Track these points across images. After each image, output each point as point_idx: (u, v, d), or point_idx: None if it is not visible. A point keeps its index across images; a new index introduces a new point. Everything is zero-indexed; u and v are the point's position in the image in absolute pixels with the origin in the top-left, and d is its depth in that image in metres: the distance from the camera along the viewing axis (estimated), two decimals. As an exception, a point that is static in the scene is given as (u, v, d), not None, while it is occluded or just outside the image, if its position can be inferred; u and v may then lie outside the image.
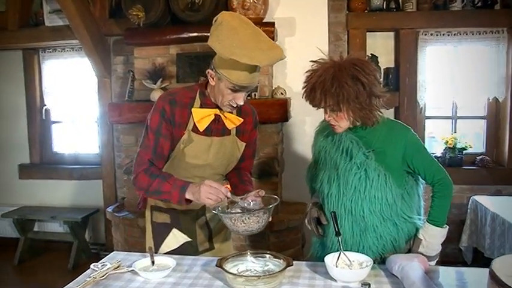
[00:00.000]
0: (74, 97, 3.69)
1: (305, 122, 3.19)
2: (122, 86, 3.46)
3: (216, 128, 1.57)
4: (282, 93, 3.01)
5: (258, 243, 2.80)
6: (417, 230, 1.48)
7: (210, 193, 1.39)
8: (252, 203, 1.45)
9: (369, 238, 1.46)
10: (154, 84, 3.00)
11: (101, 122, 3.59)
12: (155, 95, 3.00)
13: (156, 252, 1.67)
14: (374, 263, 1.40)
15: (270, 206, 1.40)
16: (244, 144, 1.65)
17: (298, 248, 2.91)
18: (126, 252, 1.69)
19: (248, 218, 1.36)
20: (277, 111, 2.83)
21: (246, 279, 1.27)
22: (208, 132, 1.56)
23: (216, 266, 1.34)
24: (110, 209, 3.37)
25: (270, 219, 1.42)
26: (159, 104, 1.51)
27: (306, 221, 1.61)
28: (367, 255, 1.40)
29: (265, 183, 2.95)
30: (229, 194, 1.40)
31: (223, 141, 1.60)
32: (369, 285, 1.17)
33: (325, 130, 1.59)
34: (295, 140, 3.22)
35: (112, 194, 3.70)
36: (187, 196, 1.44)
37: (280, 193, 3.10)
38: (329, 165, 1.54)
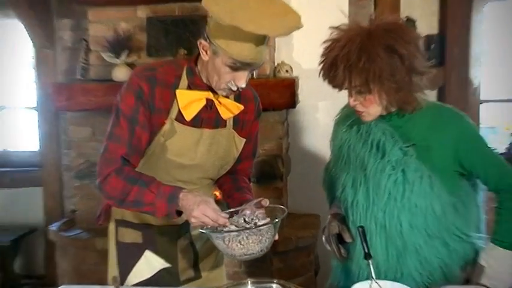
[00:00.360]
0: (1, 75, 3.67)
1: (317, 108, 3.20)
2: (70, 60, 3.44)
3: (208, 118, 1.57)
4: (287, 71, 3.01)
5: (258, 269, 2.80)
6: (477, 252, 1.48)
7: (205, 216, 1.39)
8: (251, 217, 1.45)
9: (409, 262, 1.46)
10: (118, 58, 2.98)
11: (41, 109, 3.56)
12: (119, 73, 2.99)
13: (122, 284, 1.65)
14: None
15: (276, 220, 1.40)
16: (244, 140, 1.66)
17: (310, 275, 2.93)
18: (78, 287, 1.67)
19: (247, 237, 1.35)
20: (281, 94, 2.84)
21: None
22: (197, 122, 1.56)
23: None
24: (54, 227, 3.35)
25: (276, 237, 1.42)
26: (134, 82, 1.51)
27: (323, 238, 1.61)
28: (407, 285, 1.39)
29: (266, 189, 2.96)
30: (227, 223, 1.40)
31: (217, 135, 1.60)
32: None
33: (349, 118, 1.59)
34: (305, 132, 3.23)
35: (57, 207, 3.68)
36: (181, 209, 1.43)
37: (286, 202, 3.11)
38: (354, 164, 1.54)
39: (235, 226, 1.42)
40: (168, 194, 1.43)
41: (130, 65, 3.02)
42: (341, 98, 1.56)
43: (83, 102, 3.02)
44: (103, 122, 3.42)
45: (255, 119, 1.68)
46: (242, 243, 1.35)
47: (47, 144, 3.62)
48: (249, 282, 1.44)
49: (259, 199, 1.50)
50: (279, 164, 3.01)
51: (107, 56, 2.99)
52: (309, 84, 3.09)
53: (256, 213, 1.46)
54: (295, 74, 3.07)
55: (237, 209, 1.51)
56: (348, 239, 1.55)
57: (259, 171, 2.97)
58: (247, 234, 1.35)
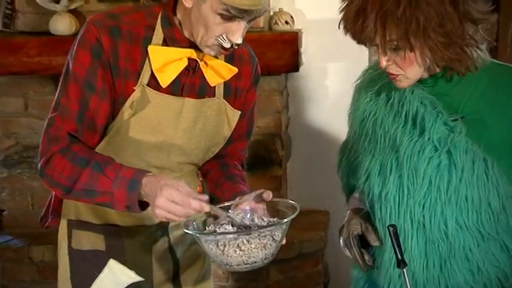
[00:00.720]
0: None
1: (327, 71, 3.21)
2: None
3: (190, 83, 1.58)
4: (287, 23, 3.00)
5: (252, 282, 2.82)
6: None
7: (172, 203, 1.39)
8: (252, 215, 1.47)
9: (456, 271, 1.48)
10: (57, 2, 2.95)
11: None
12: (59, 24, 2.96)
13: (76, 305, 1.67)
14: None
15: (286, 220, 1.41)
16: (239, 113, 1.67)
17: (317, 289, 2.99)
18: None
19: (248, 241, 1.37)
20: (279, 54, 2.82)
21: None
22: (177, 89, 1.56)
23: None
24: (-30, 233, 3.34)
25: (284, 241, 1.44)
26: (91, 34, 1.51)
27: (341, 241, 1.63)
28: None
29: (260, 177, 2.97)
30: (206, 208, 1.41)
31: (203, 106, 1.61)
32: None
33: (374, 84, 1.61)
34: (310, 104, 3.24)
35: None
36: (144, 199, 1.44)
37: (285, 194, 3.14)
38: (382, 144, 1.55)
39: (231, 226, 1.44)
40: (128, 180, 1.45)
41: (75, 13, 3.01)
42: (359, 58, 1.56)
43: (11, 64, 3.00)
44: (39, 91, 3.41)
45: (251, 86, 1.70)
46: (242, 248, 1.37)
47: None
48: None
49: (260, 191, 1.52)
50: (277, 145, 3.03)
51: (42, 1, 2.96)
52: (316, 39, 3.09)
53: (257, 210, 1.48)
54: (297, 26, 3.06)
55: (231, 203, 1.53)
56: (374, 242, 1.57)
57: (252, 155, 2.94)
58: (249, 238, 1.37)
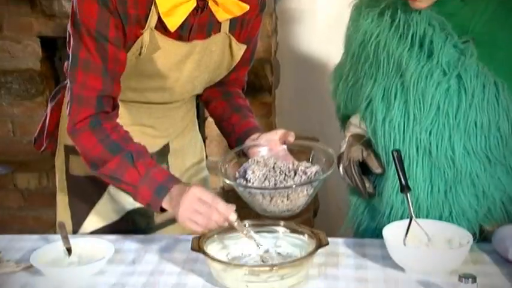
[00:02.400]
0: None
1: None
2: None
3: (199, 24, 1.53)
4: None
5: (244, 209, 2.83)
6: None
7: (195, 212, 1.38)
8: (272, 159, 1.48)
9: (461, 197, 1.50)
10: None
11: None
12: None
13: (75, 232, 1.69)
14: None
15: (331, 170, 1.43)
16: (244, 47, 1.64)
17: (307, 217, 3.02)
18: (10, 236, 1.69)
19: (295, 190, 1.40)
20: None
21: (251, 271, 1.31)
22: (185, 32, 1.52)
23: (193, 249, 1.38)
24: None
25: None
26: None
27: (340, 168, 1.63)
28: (458, 225, 1.45)
29: (251, 104, 2.91)
30: (233, 216, 1.40)
31: (209, 44, 1.58)
32: (473, 278, 1.20)
33: (376, 4, 1.58)
34: (300, 27, 3.19)
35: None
36: (165, 205, 1.44)
37: (274, 122, 3.14)
38: (385, 68, 1.54)
39: (261, 174, 1.44)
40: (158, 183, 1.44)
41: None
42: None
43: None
44: (15, 12, 3.30)
45: (258, 14, 1.65)
46: (290, 197, 1.40)
47: None
48: (247, 224, 1.48)
49: (281, 131, 1.52)
50: (267, 71, 3.01)
51: None
52: None
53: (279, 152, 1.51)
54: None
55: (247, 145, 1.55)
56: (376, 169, 1.57)
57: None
58: (299, 187, 1.40)
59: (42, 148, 1.72)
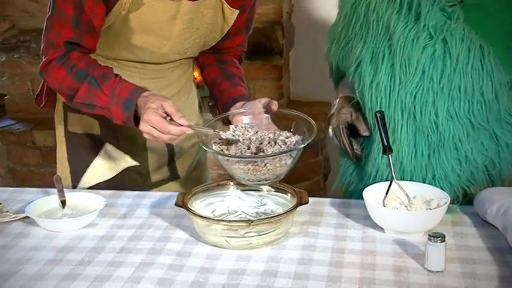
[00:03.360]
0: None
1: None
2: None
3: None
4: None
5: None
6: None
7: (153, 128, 1.43)
8: (254, 128, 1.51)
9: (444, 161, 1.51)
10: None
11: None
12: None
13: (74, 187, 1.75)
14: (453, 202, 1.48)
15: (310, 140, 1.45)
16: (237, 12, 1.65)
17: (317, 180, 3.06)
18: (10, 188, 1.78)
19: (277, 160, 1.42)
20: None
21: (229, 226, 1.36)
22: None
23: (176, 205, 1.42)
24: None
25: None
26: None
27: (329, 130, 1.66)
28: (441, 189, 1.47)
29: (261, 68, 3.00)
30: (188, 131, 1.45)
31: (200, 7, 1.59)
32: (442, 237, 1.24)
33: None
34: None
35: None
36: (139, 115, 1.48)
37: (287, 85, 3.15)
38: (374, 31, 1.55)
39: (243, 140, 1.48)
40: (124, 99, 1.49)
41: None
42: None
43: None
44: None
45: None
46: (268, 166, 1.42)
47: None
48: (232, 183, 1.53)
49: (265, 100, 1.54)
50: (278, 34, 3.01)
51: None
52: None
53: (262, 120, 1.53)
54: None
55: (232, 113, 1.58)
56: (364, 132, 1.60)
57: (252, 44, 2.92)
58: (277, 156, 1.42)
59: (42, 104, 1.78)
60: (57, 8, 1.52)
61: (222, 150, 1.47)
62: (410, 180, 1.52)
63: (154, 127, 1.43)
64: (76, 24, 1.52)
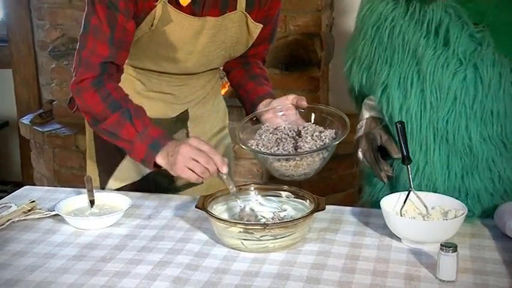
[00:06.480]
0: None
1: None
2: None
3: (212, 0, 1.59)
4: None
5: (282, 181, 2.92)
6: None
7: (192, 160, 1.47)
8: (285, 124, 1.57)
9: (477, 181, 1.51)
10: None
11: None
12: None
13: (103, 188, 1.82)
14: (473, 215, 1.49)
15: (344, 135, 1.51)
16: (261, 26, 1.69)
17: (352, 192, 3.05)
18: (47, 188, 1.85)
19: (315, 155, 1.48)
20: None
21: (245, 229, 1.39)
22: (198, 7, 1.58)
23: (197, 207, 1.47)
24: (26, 120, 3.54)
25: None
26: None
27: (359, 153, 1.66)
28: (472, 207, 1.48)
29: (298, 78, 3.02)
30: (225, 169, 1.49)
31: (224, 22, 1.63)
32: (454, 247, 1.25)
33: None
34: (356, 1, 3.16)
35: (32, 95, 3.87)
36: (159, 161, 1.53)
37: (326, 97, 3.17)
38: (401, 54, 1.54)
39: (273, 139, 1.53)
40: (153, 139, 1.53)
41: None
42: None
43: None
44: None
45: None
46: (307, 161, 1.48)
47: (13, 12, 3.72)
48: (253, 188, 1.57)
49: (294, 96, 1.58)
50: (316, 45, 3.02)
51: None
52: None
53: (290, 116, 1.57)
54: None
55: (262, 111, 1.62)
56: (395, 155, 1.56)
57: (290, 55, 3.00)
58: (314, 152, 1.47)
59: (74, 109, 1.83)
60: (92, 25, 1.56)
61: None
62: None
63: (200, 149, 1.48)
64: (111, 41, 1.56)
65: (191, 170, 1.48)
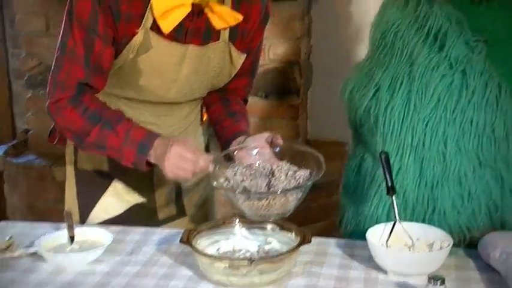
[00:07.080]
0: None
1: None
2: None
3: (195, 28, 1.59)
4: None
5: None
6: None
7: (178, 168, 1.49)
8: (259, 162, 1.54)
9: (446, 194, 1.51)
10: None
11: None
12: None
13: (82, 222, 1.78)
14: (455, 245, 1.47)
15: (308, 182, 1.49)
16: (244, 55, 1.70)
17: (332, 221, 3.03)
18: (22, 223, 1.81)
19: (288, 195, 1.46)
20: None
21: (231, 264, 1.37)
22: (180, 34, 1.58)
23: (181, 241, 1.45)
24: (0, 151, 3.46)
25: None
26: None
27: None
28: (438, 225, 1.48)
29: (278, 106, 3.02)
30: (211, 167, 1.50)
31: (207, 51, 1.64)
32: (442, 280, 1.24)
33: None
34: (335, 31, 3.22)
35: (6, 125, 3.84)
36: (152, 160, 1.55)
37: (305, 125, 3.18)
38: (397, 57, 1.57)
39: (248, 179, 1.51)
40: (138, 142, 1.54)
41: None
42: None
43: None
44: (60, 10, 3.41)
45: (259, 26, 1.70)
46: (281, 202, 1.45)
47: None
48: (237, 221, 1.55)
49: (269, 134, 1.58)
50: (296, 73, 3.04)
51: None
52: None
53: (265, 154, 1.55)
54: None
55: (236, 148, 1.61)
56: None
57: (270, 84, 3.01)
58: (287, 192, 1.46)
59: (55, 142, 1.82)
60: (68, 46, 1.55)
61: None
62: (412, 212, 1.53)
63: (187, 157, 1.49)
64: (86, 64, 1.55)
65: (183, 170, 1.51)
